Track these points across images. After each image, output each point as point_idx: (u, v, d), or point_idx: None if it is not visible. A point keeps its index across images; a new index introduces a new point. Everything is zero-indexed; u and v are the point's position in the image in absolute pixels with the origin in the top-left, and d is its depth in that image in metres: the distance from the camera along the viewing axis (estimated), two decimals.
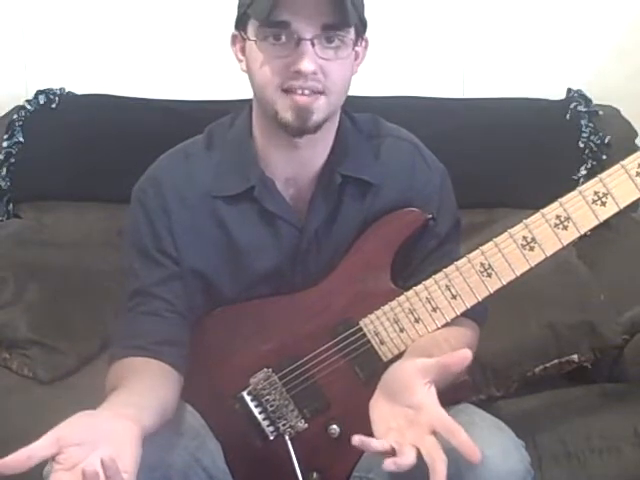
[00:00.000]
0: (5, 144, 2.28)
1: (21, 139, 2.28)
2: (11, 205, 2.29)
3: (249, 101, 1.41)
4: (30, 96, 2.34)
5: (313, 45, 1.27)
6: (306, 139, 1.35)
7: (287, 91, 1.29)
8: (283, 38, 1.28)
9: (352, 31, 1.31)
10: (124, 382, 1.27)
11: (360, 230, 1.42)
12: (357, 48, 1.36)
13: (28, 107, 2.31)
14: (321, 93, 1.29)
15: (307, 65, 1.26)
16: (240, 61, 1.37)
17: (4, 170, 2.27)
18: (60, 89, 2.35)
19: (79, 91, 2.38)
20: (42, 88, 2.34)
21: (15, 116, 2.30)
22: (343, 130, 1.42)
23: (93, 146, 2.25)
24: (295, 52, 1.27)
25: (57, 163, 2.27)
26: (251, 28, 1.31)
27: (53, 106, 2.31)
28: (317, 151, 1.40)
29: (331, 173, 1.40)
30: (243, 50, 1.35)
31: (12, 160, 2.28)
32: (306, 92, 1.28)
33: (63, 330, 1.98)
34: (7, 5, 2.43)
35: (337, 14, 1.26)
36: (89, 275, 2.08)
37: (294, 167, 1.40)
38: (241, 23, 1.34)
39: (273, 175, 1.40)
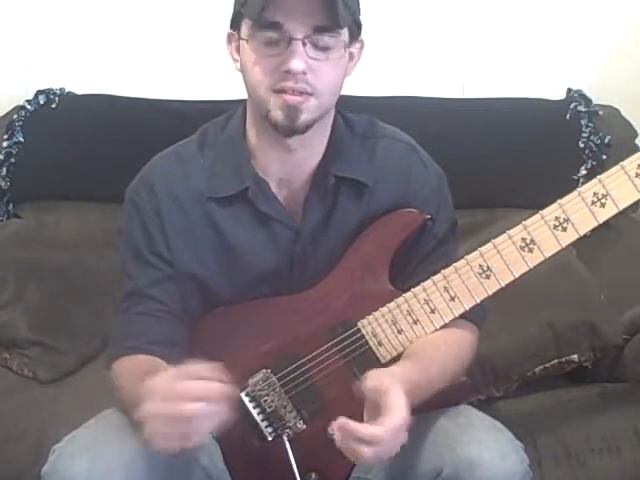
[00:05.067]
0: (5, 144, 2.27)
1: (21, 139, 2.28)
2: (11, 205, 2.29)
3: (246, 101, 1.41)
4: (30, 96, 2.33)
5: (304, 45, 1.27)
6: (297, 140, 1.35)
7: (278, 92, 1.29)
8: (275, 38, 1.28)
9: (345, 33, 1.31)
10: (141, 368, 1.30)
11: (357, 231, 1.41)
12: (352, 49, 1.36)
13: (28, 107, 2.31)
14: (310, 95, 1.29)
15: (297, 64, 1.26)
16: (235, 60, 1.37)
17: (4, 170, 2.27)
18: (60, 89, 2.34)
19: (79, 91, 2.37)
20: (42, 88, 2.33)
21: (15, 116, 2.30)
22: (337, 131, 1.42)
23: (93, 146, 2.25)
24: (286, 52, 1.27)
25: (57, 163, 2.26)
26: (245, 27, 1.32)
27: (53, 106, 2.30)
28: (310, 152, 1.40)
29: (325, 174, 1.40)
30: (238, 49, 1.35)
31: (12, 160, 2.27)
32: (296, 93, 1.28)
33: (63, 330, 1.98)
34: (7, 5, 2.43)
35: (329, 16, 1.26)
36: (89, 275, 2.08)
37: (288, 168, 1.40)
38: (236, 22, 1.35)
39: (267, 176, 1.40)
